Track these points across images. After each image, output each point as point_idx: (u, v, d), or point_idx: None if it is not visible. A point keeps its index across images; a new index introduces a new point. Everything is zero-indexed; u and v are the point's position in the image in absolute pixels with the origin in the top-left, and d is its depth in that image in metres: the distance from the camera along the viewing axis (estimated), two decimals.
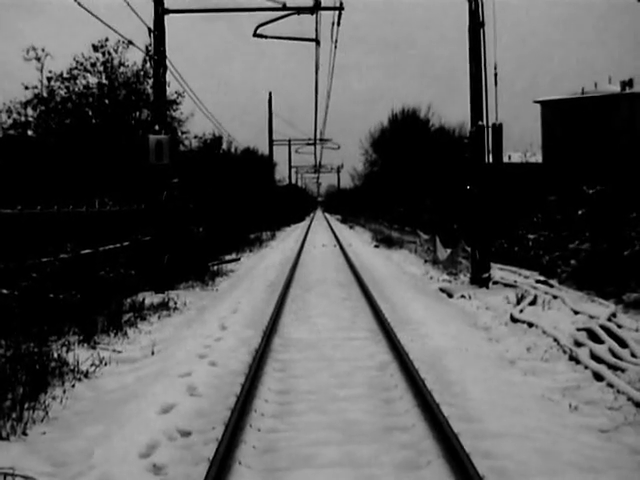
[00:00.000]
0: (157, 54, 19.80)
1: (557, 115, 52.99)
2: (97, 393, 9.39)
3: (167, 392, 8.91)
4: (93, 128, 26.40)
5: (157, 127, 19.70)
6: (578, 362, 10.28)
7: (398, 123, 62.95)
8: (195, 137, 36.32)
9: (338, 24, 20.15)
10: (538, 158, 55.83)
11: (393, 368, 10.18)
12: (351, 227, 75.00)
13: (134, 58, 31.38)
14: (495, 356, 11.16)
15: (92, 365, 10.51)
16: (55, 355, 10.50)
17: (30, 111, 25.98)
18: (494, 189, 21.98)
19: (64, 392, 9.14)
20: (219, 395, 8.99)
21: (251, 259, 31.15)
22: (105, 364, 10.77)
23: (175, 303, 16.78)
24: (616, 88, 53.13)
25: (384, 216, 52.67)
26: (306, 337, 12.84)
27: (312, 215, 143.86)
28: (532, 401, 8.65)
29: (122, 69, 27.17)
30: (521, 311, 14.41)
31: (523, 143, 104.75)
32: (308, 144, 65.23)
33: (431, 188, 44.34)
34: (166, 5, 19.69)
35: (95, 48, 26.32)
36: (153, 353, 11.63)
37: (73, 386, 9.48)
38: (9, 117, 25.45)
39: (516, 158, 56.51)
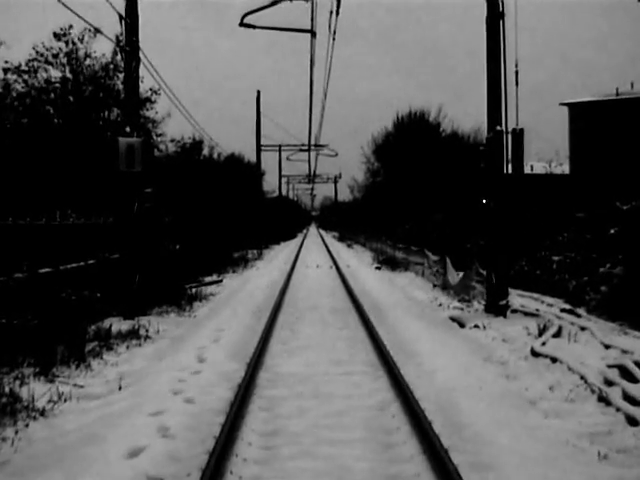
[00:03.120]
0: (129, 45, 19.80)
1: (587, 119, 53.10)
2: (55, 434, 9.34)
3: (136, 433, 8.90)
4: (55, 129, 26.45)
5: (128, 129, 19.70)
6: (609, 403, 10.27)
7: (404, 127, 63.12)
8: (172, 141, 36.51)
9: (337, 13, 20.17)
10: (565, 169, 56.04)
11: (395, 408, 10.19)
12: (349, 246, 75.08)
13: (102, 49, 31.56)
14: (513, 395, 11.16)
15: (50, 401, 10.49)
16: (6, 390, 10.47)
17: None
18: (514, 203, 22.05)
19: (16, 433, 9.11)
20: (196, 437, 8.97)
21: (235, 281, 31.13)
22: (65, 400, 10.74)
23: (146, 331, 16.75)
24: None
25: (387, 233, 52.72)
26: (296, 371, 12.84)
27: (305, 232, 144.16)
28: (555, 448, 8.64)
29: (88, 61, 27.32)
30: (543, 344, 14.41)
31: (547, 151, 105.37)
32: (301, 150, 65.25)
33: (441, 202, 44.43)
34: None
35: (57, 37, 26.39)
36: (120, 388, 11.60)
37: (27, 425, 9.46)
38: None
39: (539, 168, 56.75)
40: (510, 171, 19.09)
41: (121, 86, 25.13)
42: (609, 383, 11.18)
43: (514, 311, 19.20)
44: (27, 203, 20.66)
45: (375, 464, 8.11)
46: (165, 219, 24.84)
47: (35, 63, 26.36)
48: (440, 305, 22.60)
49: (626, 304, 17.60)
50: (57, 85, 26.96)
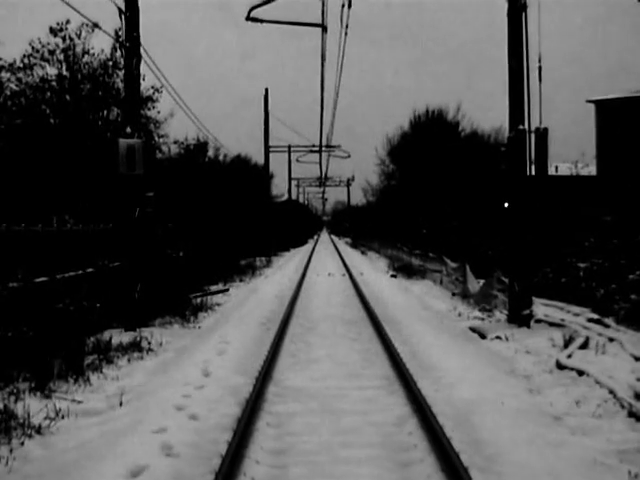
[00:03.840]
0: (129, 41, 19.82)
1: (616, 118, 52.79)
2: (51, 452, 9.36)
3: (137, 451, 8.89)
4: (51, 129, 26.49)
5: (129, 129, 19.70)
6: (639, 419, 10.24)
7: (421, 127, 62.91)
8: (175, 142, 36.60)
9: (349, 5, 20.14)
10: (591, 170, 55.78)
11: (412, 424, 10.16)
12: (363, 253, 75.02)
13: (101, 45, 31.58)
14: (537, 411, 11.13)
15: (46, 418, 10.50)
16: (0, 406, 10.48)
17: None
18: (537, 207, 21.97)
19: (10, 451, 9.13)
20: (200, 455, 8.97)
21: (242, 290, 31.14)
22: (62, 417, 10.76)
23: (149, 343, 16.78)
24: None
25: (403, 239, 52.67)
26: (307, 385, 12.84)
27: (316, 238, 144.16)
28: (581, 466, 8.60)
29: (86, 58, 27.35)
30: (569, 356, 14.38)
31: (573, 152, 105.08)
32: (312, 151, 65.12)
33: (461, 205, 44.36)
34: None
35: (53, 32, 26.44)
36: (121, 404, 11.61)
37: (22, 444, 9.47)
38: None
39: (564, 170, 56.52)
40: (533, 172, 19.04)
41: (121, 84, 25.12)
42: None
43: (538, 321, 19.15)
44: (22, 208, 20.71)
45: None
46: (168, 225, 24.87)
47: (30, 59, 26.43)
48: (459, 315, 22.57)
49: None
50: (53, 83, 27.01)
